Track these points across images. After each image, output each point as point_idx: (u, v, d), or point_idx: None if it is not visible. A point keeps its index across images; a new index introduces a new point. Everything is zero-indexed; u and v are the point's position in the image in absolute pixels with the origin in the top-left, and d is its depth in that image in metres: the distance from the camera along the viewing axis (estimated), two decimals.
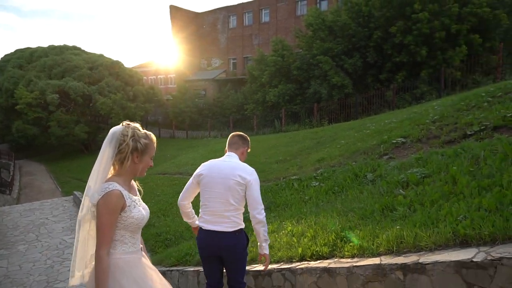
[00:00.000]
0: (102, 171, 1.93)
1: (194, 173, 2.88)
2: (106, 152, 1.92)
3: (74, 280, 2.01)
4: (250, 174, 2.75)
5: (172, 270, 5.21)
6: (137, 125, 1.99)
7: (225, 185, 2.71)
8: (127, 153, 1.90)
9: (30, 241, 8.60)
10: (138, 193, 2.08)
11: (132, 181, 2.07)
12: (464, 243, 2.21)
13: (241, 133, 3.05)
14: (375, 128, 8.24)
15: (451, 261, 1.97)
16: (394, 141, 6.15)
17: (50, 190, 19.09)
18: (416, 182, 3.76)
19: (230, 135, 3.02)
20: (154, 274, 2.04)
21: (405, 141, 6.02)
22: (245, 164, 2.84)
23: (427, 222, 2.64)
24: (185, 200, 2.88)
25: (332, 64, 18.02)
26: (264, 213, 2.73)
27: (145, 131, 2.00)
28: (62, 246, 7.94)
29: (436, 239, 2.33)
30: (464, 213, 2.53)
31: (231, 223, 2.73)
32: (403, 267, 2.19)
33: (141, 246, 2.10)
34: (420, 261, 2.13)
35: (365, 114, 16.47)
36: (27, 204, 13.18)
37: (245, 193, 2.73)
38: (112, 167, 1.95)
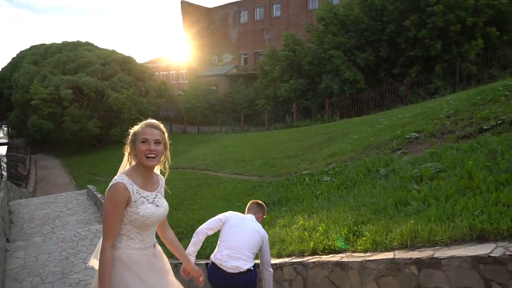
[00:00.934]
0: (120, 170, 2.03)
1: (221, 215, 3.21)
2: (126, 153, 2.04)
3: (92, 263, 2.08)
4: (266, 234, 3.14)
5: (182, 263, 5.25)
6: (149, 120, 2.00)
7: (250, 233, 3.03)
8: (129, 147, 1.96)
9: (46, 233, 8.77)
10: (160, 188, 2.03)
11: (158, 175, 2.05)
12: (481, 238, 2.16)
13: (258, 201, 3.38)
14: (388, 123, 8.14)
15: (468, 256, 1.93)
16: (408, 136, 6.07)
17: (64, 184, 19.45)
18: (431, 177, 3.70)
19: (250, 202, 3.40)
20: (162, 275, 1.99)
21: (419, 136, 5.93)
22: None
23: (442, 216, 2.59)
24: (208, 230, 3.10)
25: (344, 59, 17.82)
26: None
27: (145, 121, 1.99)
28: (77, 238, 8.08)
29: (452, 233, 2.29)
30: (481, 208, 2.47)
31: (247, 262, 2.93)
32: (418, 262, 2.16)
33: (155, 241, 2.05)
34: (435, 256, 2.09)
35: (377, 109, 16.28)
36: (42, 197, 13.45)
37: (261, 248, 3.08)
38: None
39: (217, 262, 2.95)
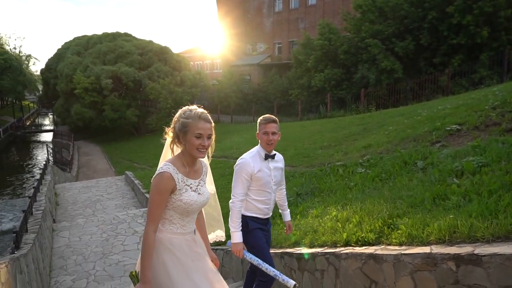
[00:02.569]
0: (163, 155, 2.10)
1: None
2: (168, 138, 2.05)
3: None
4: (238, 162, 2.92)
5: (217, 249, 5.39)
6: (195, 106, 1.99)
7: None
8: (174, 135, 1.96)
9: (88, 216, 9.29)
10: (203, 176, 2.07)
11: (201, 161, 2.07)
12: None
13: None
14: (427, 115, 7.83)
15: None
16: (448, 128, 5.81)
17: (104, 170, 20.39)
18: (472, 171, 3.53)
19: None
20: (200, 259, 2.05)
21: (460, 129, 5.66)
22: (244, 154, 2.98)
23: (484, 212, 2.48)
24: None
25: (381, 48, 17.22)
26: (234, 200, 2.88)
27: (193, 108, 1.95)
28: (116, 221, 8.49)
29: (494, 230, 2.19)
30: None
31: None
32: (456, 258, 2.09)
33: (195, 227, 2.11)
34: (476, 252, 2.02)
35: (416, 100, 15.67)
36: (84, 182, 14.21)
37: None
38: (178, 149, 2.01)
39: None
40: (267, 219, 3.11)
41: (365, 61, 18.23)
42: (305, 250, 3.53)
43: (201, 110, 1.96)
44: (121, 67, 27.04)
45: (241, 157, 2.94)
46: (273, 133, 2.87)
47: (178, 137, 1.95)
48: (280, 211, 3.31)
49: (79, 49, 32.19)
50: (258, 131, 2.93)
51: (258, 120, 2.94)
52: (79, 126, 31.31)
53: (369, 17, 18.28)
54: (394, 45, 17.13)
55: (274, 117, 2.92)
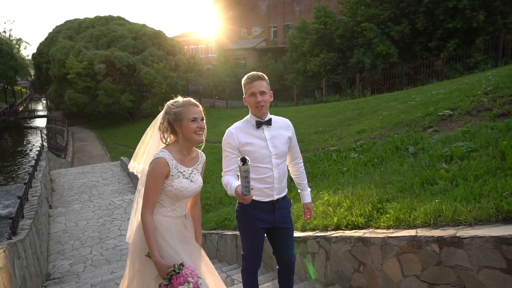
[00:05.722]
0: (147, 150, 2.17)
1: None
2: (148, 133, 2.17)
3: (127, 238, 2.31)
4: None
5: (212, 233, 5.49)
6: (177, 98, 2.10)
7: None
8: (166, 126, 2.06)
9: (84, 201, 9.35)
10: (198, 165, 2.17)
11: (198, 152, 2.20)
12: (508, 220, 2.14)
13: None
14: (420, 100, 7.88)
15: (491, 237, 1.93)
16: (441, 113, 5.87)
17: (99, 155, 20.37)
18: (461, 156, 3.61)
19: None
20: (187, 242, 2.13)
21: (453, 114, 5.73)
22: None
23: (468, 197, 2.56)
24: None
25: (377, 32, 17.12)
26: (223, 177, 2.44)
27: (179, 99, 2.09)
28: (112, 207, 8.56)
29: (477, 214, 2.27)
30: (510, 189, 2.42)
31: None
32: (439, 240, 2.18)
33: (186, 212, 2.20)
34: (458, 235, 2.10)
35: (411, 84, 15.70)
36: (80, 168, 14.22)
37: None
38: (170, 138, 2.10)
39: None
40: (273, 203, 2.47)
41: (361, 45, 18.14)
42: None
43: (187, 98, 2.09)
44: (114, 52, 26.66)
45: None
46: (262, 93, 2.32)
47: (173, 128, 2.05)
48: (299, 191, 2.76)
49: (71, 33, 31.63)
50: (244, 95, 2.40)
51: (242, 81, 2.39)
52: (73, 111, 31.02)
53: (365, 1, 18.09)
54: (390, 29, 17.03)
55: (260, 73, 2.38)
